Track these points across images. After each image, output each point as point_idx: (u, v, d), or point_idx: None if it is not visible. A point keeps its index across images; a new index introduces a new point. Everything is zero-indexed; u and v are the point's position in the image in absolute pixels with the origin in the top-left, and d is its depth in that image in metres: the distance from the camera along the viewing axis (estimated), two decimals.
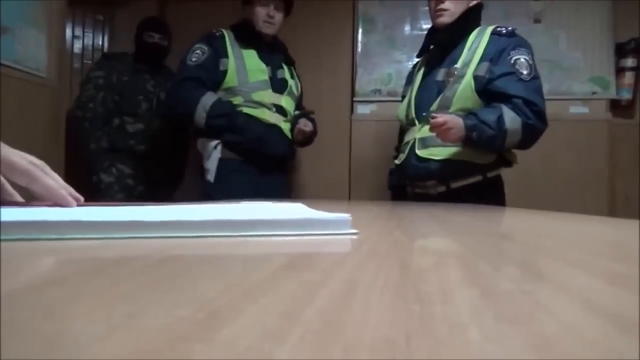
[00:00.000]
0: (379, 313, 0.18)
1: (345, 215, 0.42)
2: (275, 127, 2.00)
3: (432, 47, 1.83)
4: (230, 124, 1.89)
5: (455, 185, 1.66)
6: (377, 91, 2.65)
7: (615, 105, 2.43)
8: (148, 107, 2.30)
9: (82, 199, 0.51)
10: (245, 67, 1.99)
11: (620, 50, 2.45)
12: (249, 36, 2.02)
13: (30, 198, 0.50)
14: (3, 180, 0.51)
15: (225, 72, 1.96)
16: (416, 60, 2.01)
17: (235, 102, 1.95)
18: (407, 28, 2.65)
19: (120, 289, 0.21)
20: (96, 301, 0.19)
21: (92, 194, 2.19)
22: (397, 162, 1.82)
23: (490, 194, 1.66)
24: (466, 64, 1.64)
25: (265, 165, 2.00)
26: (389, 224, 0.66)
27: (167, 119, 2.26)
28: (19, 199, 0.53)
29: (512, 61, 1.60)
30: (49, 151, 1.88)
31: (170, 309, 0.18)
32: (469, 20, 1.73)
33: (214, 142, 1.93)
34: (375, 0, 2.67)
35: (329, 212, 0.46)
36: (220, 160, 1.93)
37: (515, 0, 2.53)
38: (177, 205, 0.58)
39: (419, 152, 1.68)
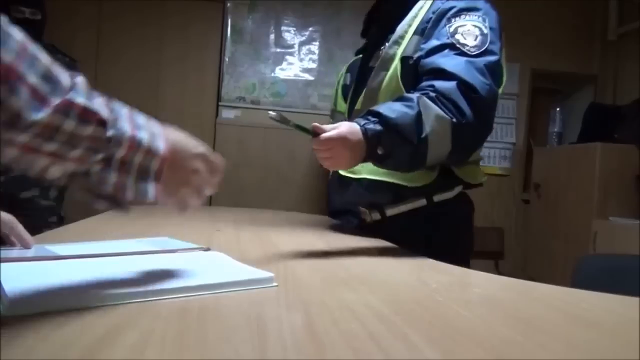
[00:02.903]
0: None
1: (268, 274, 0.64)
2: None
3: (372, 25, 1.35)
4: None
5: (391, 212, 1.20)
6: (242, 98, 2.86)
7: None
8: None
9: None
10: None
11: None
12: None
13: None
14: None
15: None
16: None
17: None
18: (271, 44, 2.89)
19: None
20: None
21: None
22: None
23: (443, 223, 1.19)
24: (396, 42, 1.15)
25: None
26: None
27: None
28: None
29: (450, 29, 1.06)
30: None
31: None
32: None
33: None
34: (245, 13, 2.85)
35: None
36: None
37: None
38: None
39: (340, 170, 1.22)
